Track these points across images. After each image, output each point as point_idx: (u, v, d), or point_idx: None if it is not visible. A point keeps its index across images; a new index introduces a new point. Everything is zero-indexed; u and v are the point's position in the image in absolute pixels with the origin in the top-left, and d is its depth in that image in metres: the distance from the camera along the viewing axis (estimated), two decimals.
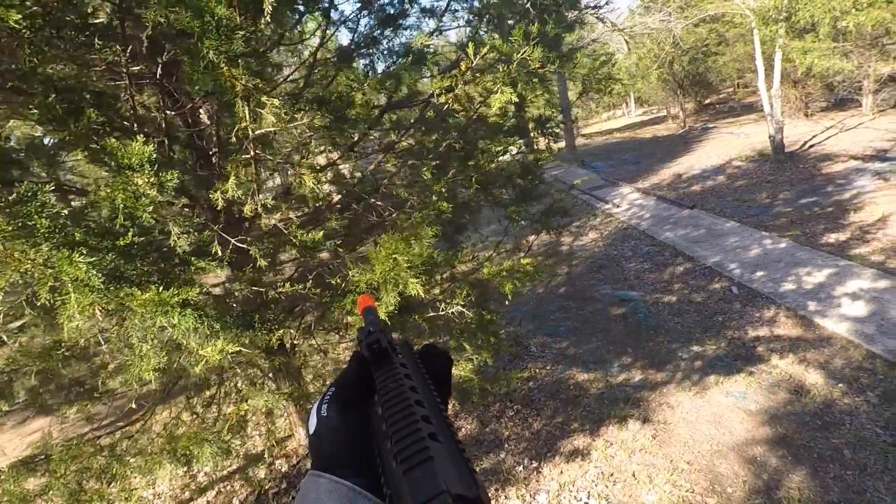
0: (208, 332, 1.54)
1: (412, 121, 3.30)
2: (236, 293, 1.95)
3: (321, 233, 2.13)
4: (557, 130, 3.98)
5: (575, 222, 10.83)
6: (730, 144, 14.94)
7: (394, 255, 1.77)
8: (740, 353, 5.01)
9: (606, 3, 12.46)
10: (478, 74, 2.23)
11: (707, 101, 25.94)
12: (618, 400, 4.68)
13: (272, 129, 1.75)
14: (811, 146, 12.17)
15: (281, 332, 2.05)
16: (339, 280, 1.96)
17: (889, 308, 4.93)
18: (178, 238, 1.83)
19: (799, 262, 6.35)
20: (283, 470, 4.54)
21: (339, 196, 2.72)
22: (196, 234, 2.00)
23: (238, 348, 1.81)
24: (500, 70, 2.05)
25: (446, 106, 2.55)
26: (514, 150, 3.58)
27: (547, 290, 7.67)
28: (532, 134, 3.90)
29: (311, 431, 0.44)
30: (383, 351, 0.46)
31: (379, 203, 2.57)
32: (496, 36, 2.42)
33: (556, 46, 3.34)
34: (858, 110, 14.62)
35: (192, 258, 1.68)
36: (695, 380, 4.73)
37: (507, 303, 6.68)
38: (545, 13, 2.97)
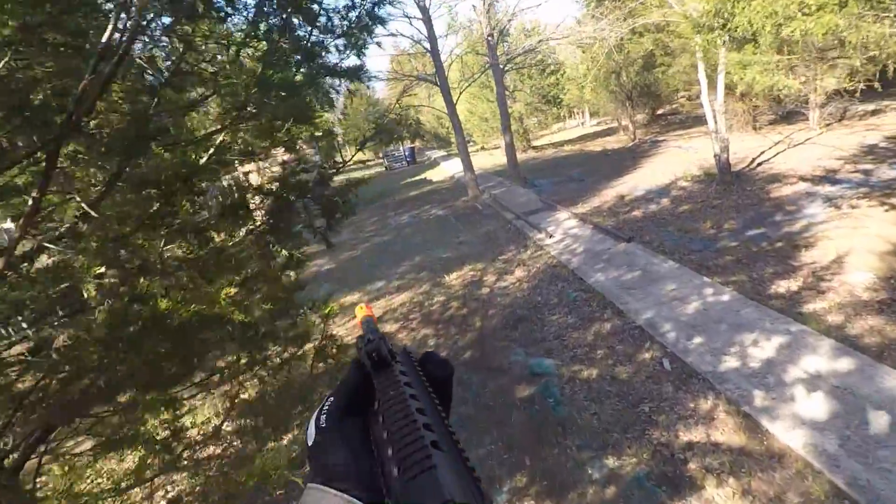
0: None
1: None
2: None
3: None
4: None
5: (504, 255, 9.51)
6: (677, 160, 14.05)
7: None
8: (667, 471, 3.69)
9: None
10: None
11: (660, 112, 25.39)
12: None
13: None
14: (759, 164, 11.30)
15: None
16: None
17: (854, 407, 3.71)
18: None
19: (744, 323, 5.14)
20: None
21: None
22: None
23: None
24: None
25: None
26: None
27: (451, 354, 6.24)
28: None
29: (310, 443, 0.41)
30: (383, 359, 0.43)
31: None
32: None
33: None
34: (806, 123, 13.99)
35: None
36: None
37: None
38: None
